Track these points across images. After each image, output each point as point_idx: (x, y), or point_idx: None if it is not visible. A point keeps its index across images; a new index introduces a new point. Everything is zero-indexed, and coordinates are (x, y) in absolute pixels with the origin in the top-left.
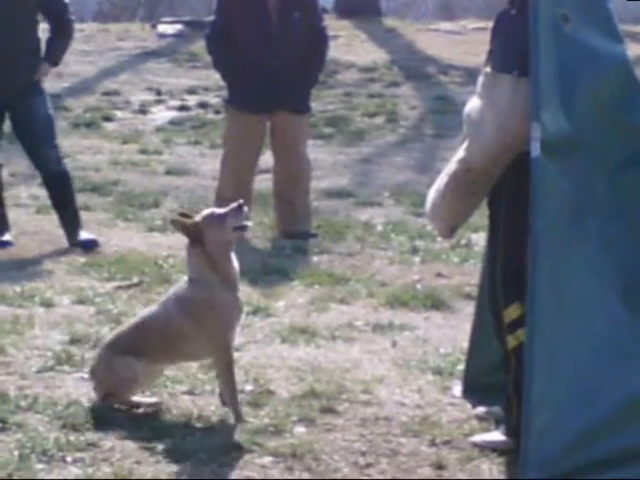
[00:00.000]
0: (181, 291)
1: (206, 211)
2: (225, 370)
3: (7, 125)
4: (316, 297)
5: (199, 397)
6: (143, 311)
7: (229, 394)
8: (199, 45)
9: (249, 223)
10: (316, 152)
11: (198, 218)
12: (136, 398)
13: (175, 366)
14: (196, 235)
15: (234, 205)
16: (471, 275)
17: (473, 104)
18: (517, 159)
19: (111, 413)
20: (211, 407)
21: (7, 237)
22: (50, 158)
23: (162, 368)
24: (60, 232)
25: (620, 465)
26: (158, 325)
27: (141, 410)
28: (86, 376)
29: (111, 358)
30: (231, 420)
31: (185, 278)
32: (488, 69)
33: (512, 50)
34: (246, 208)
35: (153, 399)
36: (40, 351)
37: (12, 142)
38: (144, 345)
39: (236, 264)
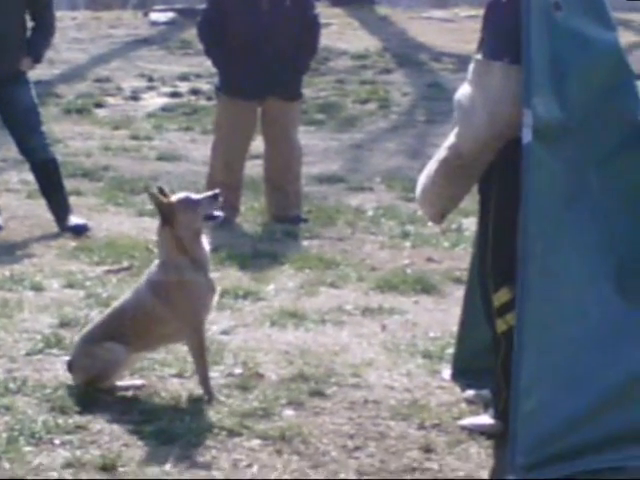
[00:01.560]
0: (152, 275)
1: (181, 194)
2: (197, 350)
3: None
4: (306, 281)
5: (188, 380)
6: (117, 301)
7: (200, 374)
8: (191, 32)
9: (221, 213)
10: (308, 138)
11: (173, 199)
12: (122, 382)
13: (164, 349)
14: (168, 215)
15: (210, 193)
16: (461, 260)
17: (464, 91)
18: (507, 145)
19: (100, 396)
20: (199, 390)
21: None
22: (36, 146)
23: (140, 354)
24: (50, 217)
25: (608, 449)
26: (132, 310)
27: (129, 393)
28: None
29: (91, 347)
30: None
31: (156, 261)
32: (479, 56)
33: (503, 37)
34: (221, 198)
35: (139, 381)
36: (29, 334)
37: (2, 128)
38: (121, 331)
39: (207, 247)
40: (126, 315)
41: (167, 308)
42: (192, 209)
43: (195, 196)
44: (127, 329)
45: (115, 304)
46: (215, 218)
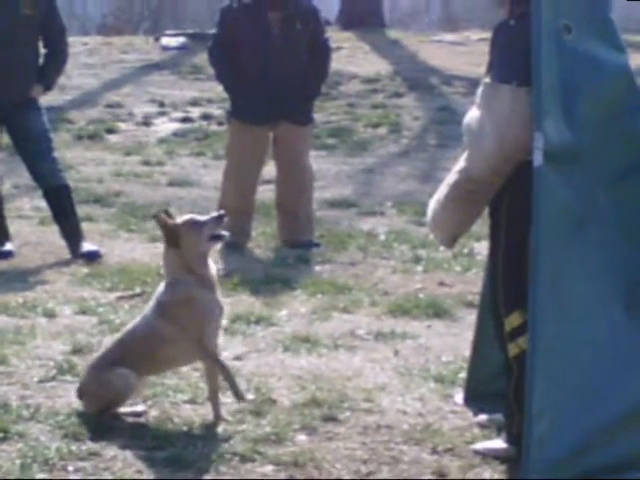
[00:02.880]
0: (159, 295)
1: (186, 216)
2: (213, 363)
3: (8, 138)
4: (318, 306)
5: (201, 406)
6: (127, 326)
7: (227, 380)
8: (202, 57)
9: (226, 233)
10: (319, 162)
11: (178, 221)
12: (123, 409)
13: (176, 375)
14: (173, 237)
15: (214, 214)
16: (473, 284)
17: (473, 114)
18: (517, 168)
19: (113, 422)
20: (212, 416)
21: (8, 247)
22: (48, 172)
23: (148, 378)
24: (63, 243)
25: (621, 471)
26: (141, 333)
27: (141, 419)
28: None
29: (101, 374)
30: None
31: (163, 283)
32: (487, 79)
33: (511, 60)
34: (226, 219)
35: (140, 407)
36: (42, 361)
37: (14, 154)
38: (131, 357)
39: (213, 267)
40: (135, 338)
41: (175, 327)
42: (197, 230)
43: (200, 217)
44: (135, 353)
45: (123, 329)
46: (220, 238)
